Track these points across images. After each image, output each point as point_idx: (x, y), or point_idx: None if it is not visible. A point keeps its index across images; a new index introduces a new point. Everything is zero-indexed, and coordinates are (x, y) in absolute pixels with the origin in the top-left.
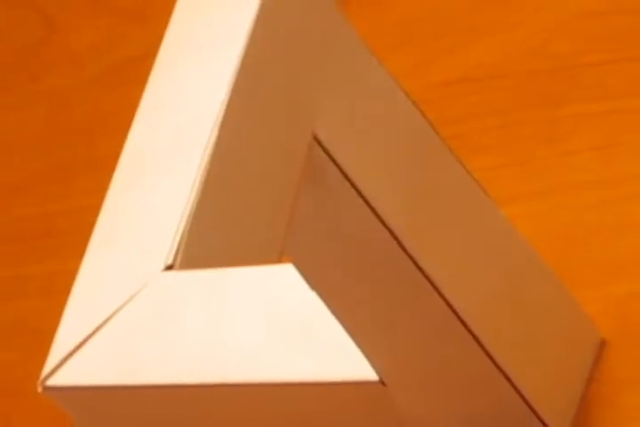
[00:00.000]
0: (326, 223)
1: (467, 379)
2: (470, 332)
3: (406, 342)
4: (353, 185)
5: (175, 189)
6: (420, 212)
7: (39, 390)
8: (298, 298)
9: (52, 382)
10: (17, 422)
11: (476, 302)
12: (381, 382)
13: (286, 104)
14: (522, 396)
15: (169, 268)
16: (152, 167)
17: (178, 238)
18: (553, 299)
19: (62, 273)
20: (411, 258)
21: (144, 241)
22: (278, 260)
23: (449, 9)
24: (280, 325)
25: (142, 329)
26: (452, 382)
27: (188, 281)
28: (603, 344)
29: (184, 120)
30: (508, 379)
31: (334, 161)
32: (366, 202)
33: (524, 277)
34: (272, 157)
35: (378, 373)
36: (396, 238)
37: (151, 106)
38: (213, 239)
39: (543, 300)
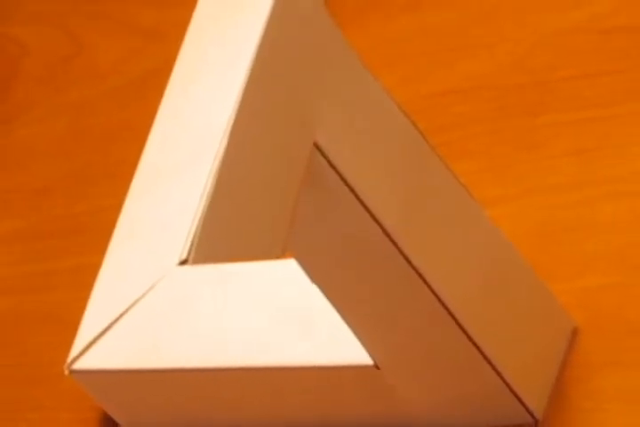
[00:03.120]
0: (325, 223)
1: (453, 363)
2: (456, 321)
3: (399, 331)
4: (350, 188)
5: (188, 191)
6: (411, 212)
7: (65, 373)
8: (299, 290)
9: (76, 366)
10: (46, 402)
11: (461, 294)
12: (376, 366)
13: (289, 114)
14: (502, 378)
15: (183, 262)
16: (167, 172)
17: (191, 236)
18: (530, 291)
19: (86, 268)
20: (402, 254)
21: (160, 238)
22: (281, 256)
23: (437, 28)
24: (284, 314)
25: (159, 318)
26: (440, 365)
27: (201, 274)
28: (575, 332)
29: (197, 129)
30: (490, 363)
31: (333, 166)
32: (362, 203)
33: (504, 272)
34: (276, 163)
35: (373, 358)
36: (389, 236)
37: (167, 116)
38: (223, 237)
39: (522, 292)
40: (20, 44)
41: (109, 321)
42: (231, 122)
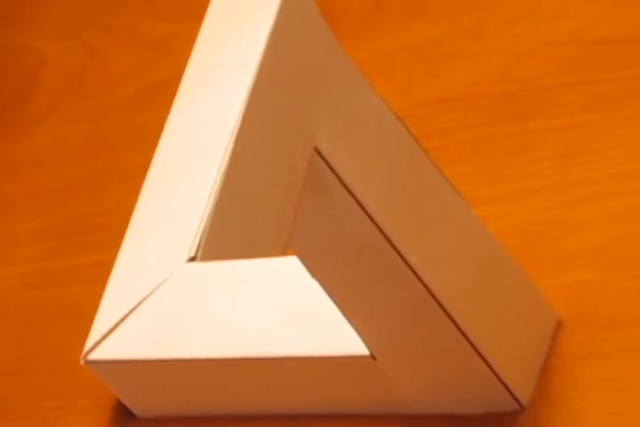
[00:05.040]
0: (325, 222)
1: (444, 353)
2: (447, 313)
3: (393, 323)
4: (348, 189)
5: (197, 193)
6: (405, 212)
7: (81, 363)
8: (301, 285)
9: (92, 356)
10: (64, 391)
11: (452, 289)
12: (372, 356)
13: (291, 121)
14: (491, 367)
15: (192, 259)
16: (177, 175)
17: (199, 235)
18: (516, 285)
19: (102, 264)
20: (397, 251)
21: (170, 237)
22: (284, 253)
23: (429, 40)
24: (287, 308)
25: (169, 312)
26: (432, 356)
27: (208, 271)
28: (559, 324)
29: (204, 135)
30: (479, 353)
31: (332, 169)
32: (359, 204)
33: (492, 267)
34: (279, 166)
35: (369, 348)
36: (384, 235)
37: (176, 123)
38: (229, 236)
39: (508, 286)
40: (39, 55)
41: (122, 315)
42: (237, 128)
